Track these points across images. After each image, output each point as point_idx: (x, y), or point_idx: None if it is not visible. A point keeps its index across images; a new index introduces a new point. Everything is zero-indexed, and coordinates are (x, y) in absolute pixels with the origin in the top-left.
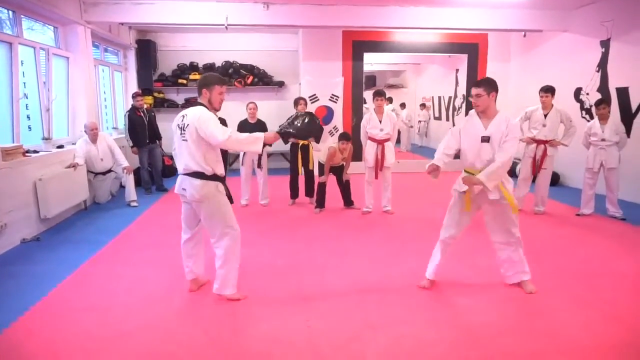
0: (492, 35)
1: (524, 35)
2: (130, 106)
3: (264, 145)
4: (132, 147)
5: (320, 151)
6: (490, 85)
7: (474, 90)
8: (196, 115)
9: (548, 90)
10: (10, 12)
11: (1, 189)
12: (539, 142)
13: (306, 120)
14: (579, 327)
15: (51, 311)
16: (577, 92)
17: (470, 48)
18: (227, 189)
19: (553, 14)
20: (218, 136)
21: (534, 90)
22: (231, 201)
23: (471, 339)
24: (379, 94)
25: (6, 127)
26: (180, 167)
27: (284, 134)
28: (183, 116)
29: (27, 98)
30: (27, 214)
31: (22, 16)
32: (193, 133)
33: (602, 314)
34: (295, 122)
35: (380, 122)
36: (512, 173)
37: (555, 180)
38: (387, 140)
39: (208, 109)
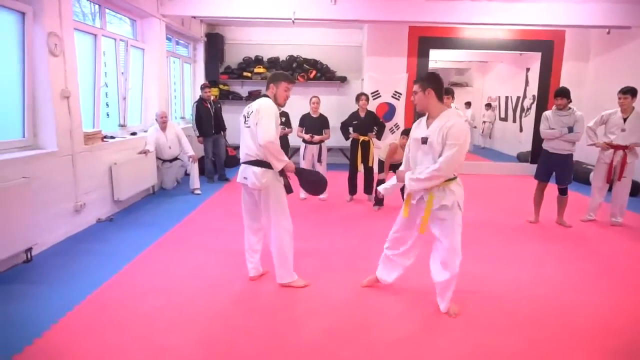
0: (570, 32)
1: (608, 32)
2: (198, 97)
3: (281, 172)
4: (198, 136)
5: (381, 148)
6: (426, 81)
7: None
8: (260, 104)
9: (628, 92)
10: (96, 6)
11: (82, 171)
12: (616, 147)
13: (315, 178)
14: None
15: (120, 289)
16: None
17: (545, 45)
18: (286, 179)
19: None
20: (263, 135)
21: (614, 93)
22: (290, 190)
23: (533, 349)
24: (446, 92)
25: (88, 113)
26: (242, 156)
27: (297, 174)
28: (249, 106)
29: (107, 87)
30: (103, 196)
31: (106, 9)
32: (255, 119)
33: None
34: (306, 175)
35: None
36: (586, 180)
37: (636, 190)
38: None
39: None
